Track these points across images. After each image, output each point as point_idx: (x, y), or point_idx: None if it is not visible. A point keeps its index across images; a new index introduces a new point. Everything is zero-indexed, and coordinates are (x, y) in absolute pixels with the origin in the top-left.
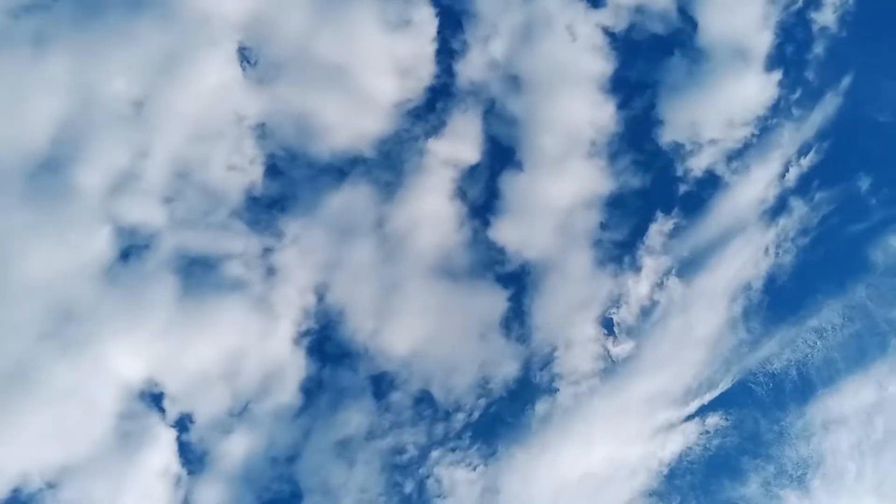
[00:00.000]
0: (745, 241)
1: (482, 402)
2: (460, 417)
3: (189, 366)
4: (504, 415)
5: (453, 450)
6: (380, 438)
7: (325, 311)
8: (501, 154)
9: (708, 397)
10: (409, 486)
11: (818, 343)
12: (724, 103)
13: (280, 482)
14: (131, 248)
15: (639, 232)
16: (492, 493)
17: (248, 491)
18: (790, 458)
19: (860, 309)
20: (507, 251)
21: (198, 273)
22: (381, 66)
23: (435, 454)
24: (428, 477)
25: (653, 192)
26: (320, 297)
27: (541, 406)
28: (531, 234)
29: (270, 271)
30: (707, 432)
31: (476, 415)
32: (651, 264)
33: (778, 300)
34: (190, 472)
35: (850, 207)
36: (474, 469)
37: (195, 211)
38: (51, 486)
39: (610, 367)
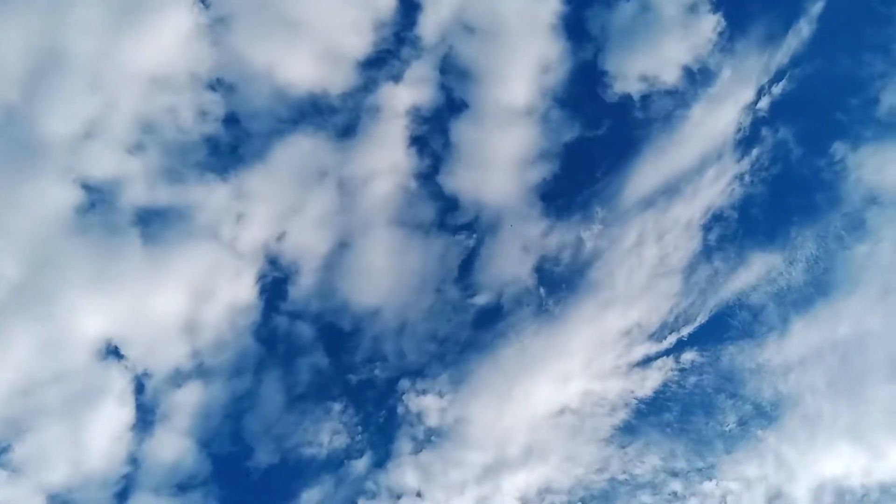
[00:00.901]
0: (719, 170)
1: (446, 335)
2: (428, 349)
3: (147, 317)
4: (471, 347)
5: (422, 377)
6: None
7: (282, 262)
8: (456, 105)
9: (685, 331)
10: (379, 416)
11: (793, 273)
12: (679, 42)
13: (235, 431)
14: (94, 200)
15: (596, 175)
16: (463, 423)
17: (202, 441)
18: (766, 397)
19: (835, 239)
20: (461, 200)
21: (157, 224)
22: (339, 18)
23: (403, 383)
24: (396, 406)
25: (610, 135)
26: (278, 247)
27: (510, 339)
28: (487, 184)
29: (229, 222)
30: (684, 369)
31: (443, 346)
32: (613, 199)
33: (752, 229)
34: (145, 423)
35: (823, 135)
36: (442, 396)
37: (156, 163)
38: (9, 436)
39: (578, 299)
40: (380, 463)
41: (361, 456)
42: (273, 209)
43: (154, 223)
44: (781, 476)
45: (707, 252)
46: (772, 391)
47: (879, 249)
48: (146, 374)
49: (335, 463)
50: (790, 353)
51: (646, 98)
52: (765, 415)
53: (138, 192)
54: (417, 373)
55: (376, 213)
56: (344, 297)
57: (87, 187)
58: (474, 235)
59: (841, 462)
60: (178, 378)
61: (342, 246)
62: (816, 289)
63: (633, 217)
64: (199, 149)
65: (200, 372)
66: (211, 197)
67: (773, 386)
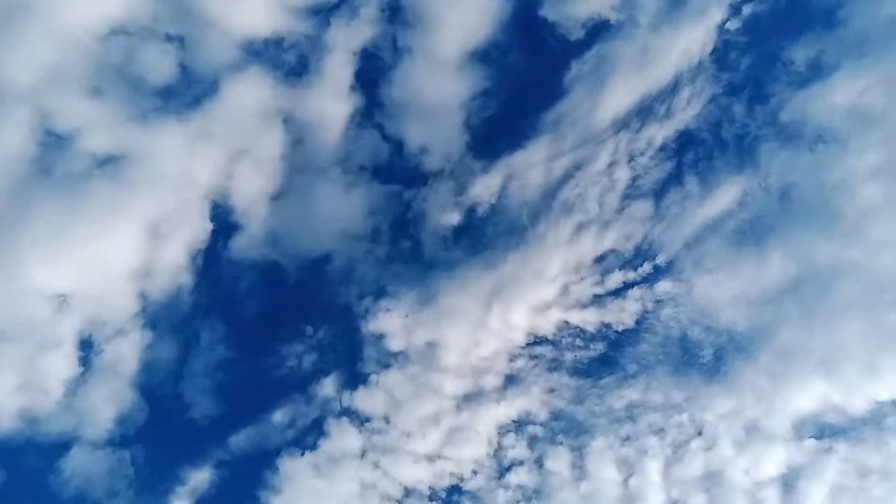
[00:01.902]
0: (693, 91)
1: (411, 254)
2: (391, 268)
3: (94, 266)
4: (439, 266)
5: (385, 296)
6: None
7: (233, 203)
8: (402, 50)
9: (660, 259)
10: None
11: (768, 200)
12: None
13: (175, 383)
14: (51, 144)
15: (565, 98)
16: (435, 348)
17: (141, 392)
18: (742, 329)
19: (810, 162)
20: (406, 146)
21: (109, 170)
22: None
23: (365, 302)
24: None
25: (580, 56)
26: (229, 189)
27: (480, 259)
28: (430, 130)
29: (181, 166)
30: (659, 300)
31: (407, 265)
32: (584, 121)
33: (726, 152)
34: (86, 372)
35: (795, 55)
36: (407, 317)
37: (109, 107)
38: None
39: (550, 220)
40: (345, 385)
41: (327, 376)
42: (224, 152)
43: (105, 169)
44: (758, 409)
45: (680, 175)
46: (748, 323)
47: (857, 171)
48: (96, 321)
49: (300, 385)
50: (766, 283)
51: (617, 18)
52: (741, 348)
53: (93, 139)
54: (379, 292)
55: (320, 157)
56: (299, 233)
57: (44, 135)
58: (431, 176)
59: (816, 396)
60: (129, 323)
61: (291, 186)
62: (792, 216)
63: (605, 138)
64: (153, 94)
65: (153, 314)
66: (164, 142)
67: (749, 318)
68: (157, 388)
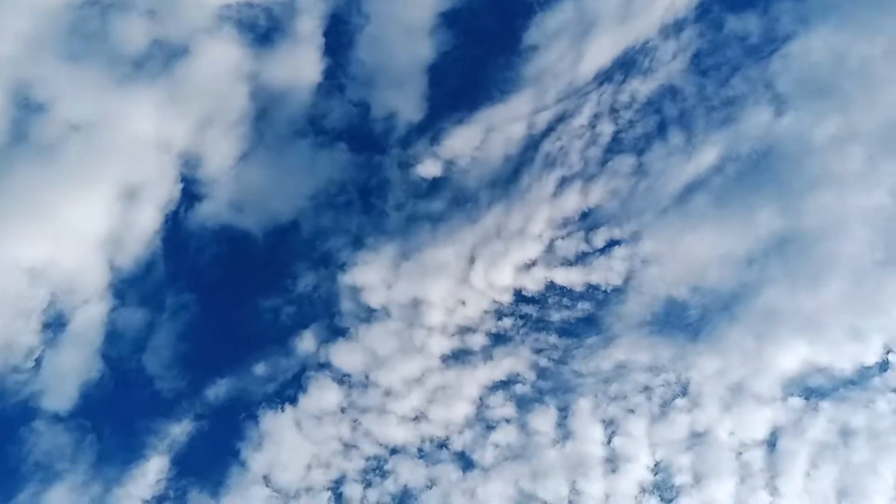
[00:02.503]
0: (678, 45)
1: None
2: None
3: (65, 234)
4: (420, 220)
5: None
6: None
7: (199, 172)
8: (371, 14)
9: (646, 217)
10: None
11: (753, 156)
12: None
13: (148, 343)
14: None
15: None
16: (416, 303)
17: (114, 354)
18: (729, 289)
19: (797, 120)
20: (378, 107)
21: (78, 138)
22: None
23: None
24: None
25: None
26: (198, 155)
27: (462, 213)
28: (404, 88)
29: (149, 133)
30: (645, 260)
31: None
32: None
33: (710, 106)
34: (51, 339)
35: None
36: (386, 270)
37: (83, 75)
38: None
39: (534, 173)
40: (325, 340)
41: (305, 329)
42: (194, 117)
43: (78, 136)
44: (744, 370)
45: (664, 130)
46: (733, 283)
47: (844, 131)
48: (66, 288)
49: (279, 339)
50: (752, 242)
51: None
52: (726, 308)
53: (67, 107)
54: (357, 244)
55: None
56: (272, 194)
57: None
58: (406, 128)
59: (802, 357)
60: (99, 287)
61: (262, 149)
62: (778, 175)
63: (588, 91)
64: (126, 61)
65: (125, 276)
66: (136, 108)
67: (734, 277)
68: (129, 348)
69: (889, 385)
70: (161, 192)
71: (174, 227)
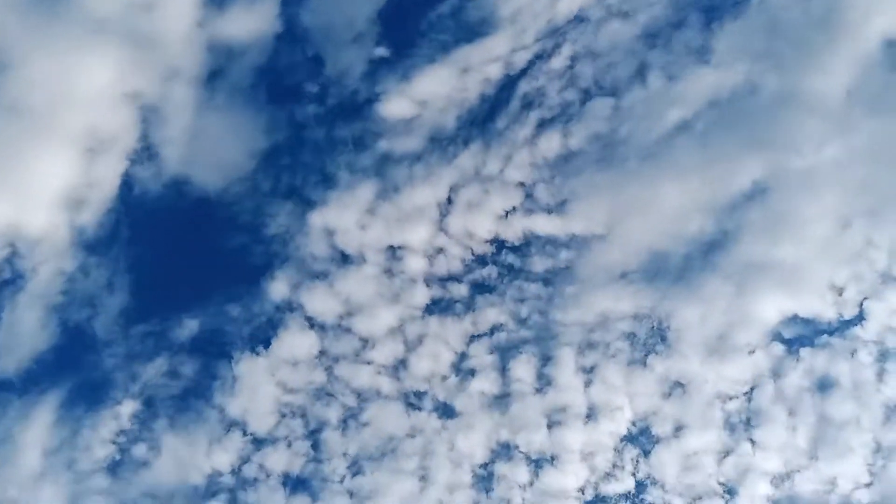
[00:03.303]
0: None
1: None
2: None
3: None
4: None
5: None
6: None
7: (158, 127)
8: None
9: (627, 162)
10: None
11: (737, 98)
12: None
13: (113, 292)
14: None
15: None
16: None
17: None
18: (709, 240)
19: (781, 61)
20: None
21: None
22: None
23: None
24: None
25: None
26: (154, 111)
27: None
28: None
29: (107, 88)
30: (627, 207)
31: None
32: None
33: (692, 46)
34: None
35: None
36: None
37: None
38: None
39: (510, 116)
40: (298, 285)
41: (279, 272)
42: (154, 73)
43: (35, 93)
44: (724, 319)
45: (644, 72)
46: (715, 232)
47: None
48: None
49: (250, 283)
50: (735, 189)
51: None
52: (708, 257)
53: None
54: (329, 184)
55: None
56: (234, 143)
57: None
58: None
59: (782, 307)
60: (43, 252)
61: (220, 99)
62: (763, 119)
63: (566, 31)
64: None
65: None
66: (95, 61)
67: (716, 226)
68: (94, 298)
69: (868, 336)
70: (123, 146)
71: (137, 178)
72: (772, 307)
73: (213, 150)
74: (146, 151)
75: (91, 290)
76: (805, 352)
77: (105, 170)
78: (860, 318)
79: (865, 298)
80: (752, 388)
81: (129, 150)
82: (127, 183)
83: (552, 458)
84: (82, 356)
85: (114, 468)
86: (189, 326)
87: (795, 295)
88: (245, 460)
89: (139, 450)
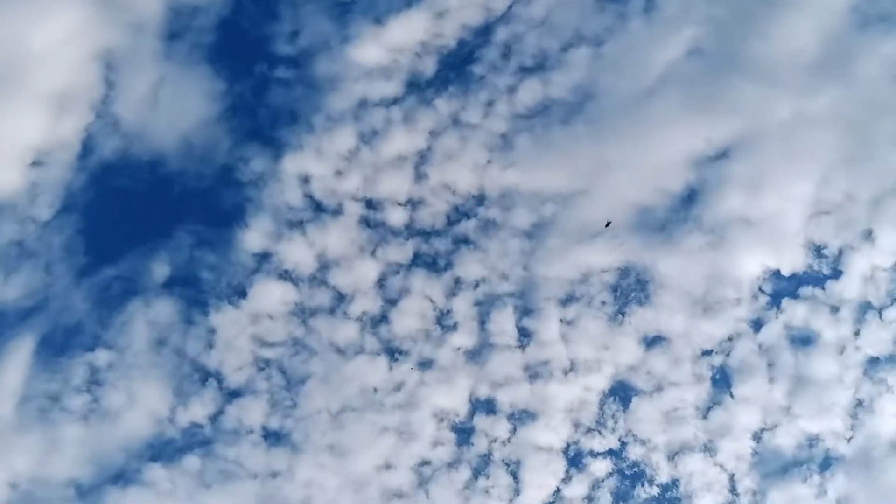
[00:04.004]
0: None
1: None
2: None
3: None
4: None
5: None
6: None
7: (123, 82)
8: None
9: (607, 114)
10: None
11: (721, 44)
12: None
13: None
14: None
15: None
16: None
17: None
18: (690, 194)
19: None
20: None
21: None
22: None
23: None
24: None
25: None
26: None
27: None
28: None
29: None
30: (609, 161)
31: None
32: None
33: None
34: None
35: None
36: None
37: None
38: None
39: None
40: (272, 235)
41: (253, 220)
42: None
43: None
44: (705, 273)
45: (625, 21)
46: (697, 185)
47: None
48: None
49: (223, 230)
50: (717, 142)
51: None
52: (689, 211)
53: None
54: (305, 128)
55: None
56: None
57: None
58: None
59: (763, 262)
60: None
61: (186, 54)
62: (744, 69)
63: None
64: None
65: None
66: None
67: (698, 179)
68: (64, 248)
69: (847, 292)
70: (88, 100)
71: (103, 130)
72: (753, 263)
73: (181, 100)
74: (111, 104)
75: (60, 240)
76: (785, 305)
77: (71, 123)
78: (837, 274)
79: (843, 253)
80: (732, 343)
81: (95, 103)
82: (93, 135)
83: (533, 414)
84: (53, 304)
85: (87, 417)
86: (161, 271)
87: (776, 251)
88: (221, 412)
89: (112, 399)
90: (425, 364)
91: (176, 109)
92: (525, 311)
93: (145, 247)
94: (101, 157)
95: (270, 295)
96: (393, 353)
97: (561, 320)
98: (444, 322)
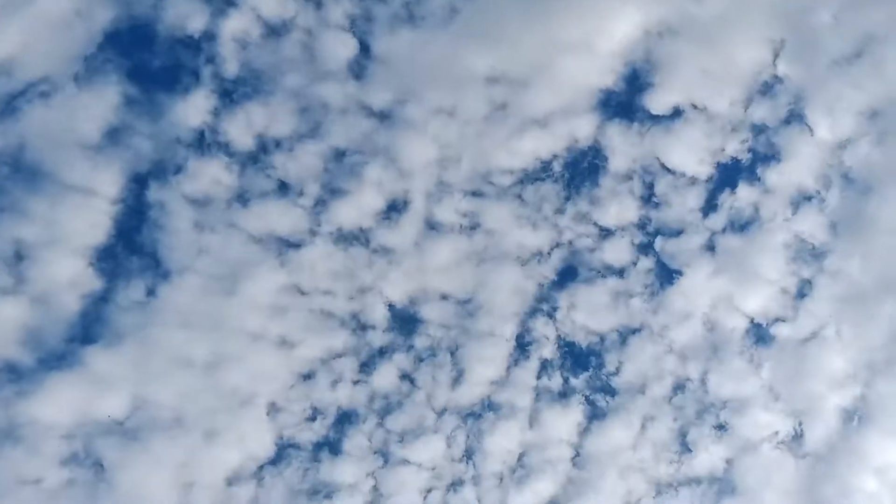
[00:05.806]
0: None
1: None
2: None
3: None
4: None
5: None
6: None
7: None
8: None
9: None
10: None
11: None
12: None
13: None
14: None
15: None
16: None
17: None
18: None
19: None
20: None
21: None
22: None
23: None
24: None
25: None
26: None
27: None
28: None
29: None
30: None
31: None
32: None
33: None
34: None
35: None
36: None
37: None
38: None
39: None
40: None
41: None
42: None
43: None
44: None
45: None
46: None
47: None
48: None
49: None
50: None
51: None
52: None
53: None
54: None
55: None
56: None
57: None
58: None
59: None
60: None
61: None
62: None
63: None
64: None
65: None
66: None
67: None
68: None
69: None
70: None
71: None
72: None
73: None
74: None
75: None
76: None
77: None
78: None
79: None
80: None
81: None
82: None
83: (480, 305)
84: None
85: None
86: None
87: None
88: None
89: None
90: (380, 251)
91: None
92: (475, 198)
93: None
94: None
95: (209, 175)
96: (344, 239)
97: (511, 212)
98: (393, 207)
